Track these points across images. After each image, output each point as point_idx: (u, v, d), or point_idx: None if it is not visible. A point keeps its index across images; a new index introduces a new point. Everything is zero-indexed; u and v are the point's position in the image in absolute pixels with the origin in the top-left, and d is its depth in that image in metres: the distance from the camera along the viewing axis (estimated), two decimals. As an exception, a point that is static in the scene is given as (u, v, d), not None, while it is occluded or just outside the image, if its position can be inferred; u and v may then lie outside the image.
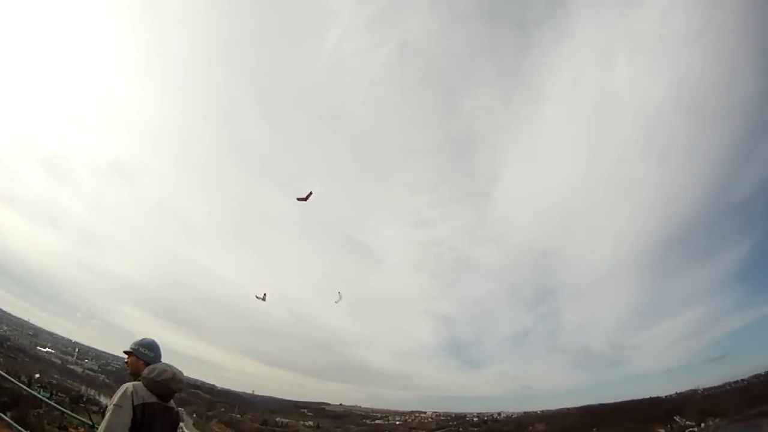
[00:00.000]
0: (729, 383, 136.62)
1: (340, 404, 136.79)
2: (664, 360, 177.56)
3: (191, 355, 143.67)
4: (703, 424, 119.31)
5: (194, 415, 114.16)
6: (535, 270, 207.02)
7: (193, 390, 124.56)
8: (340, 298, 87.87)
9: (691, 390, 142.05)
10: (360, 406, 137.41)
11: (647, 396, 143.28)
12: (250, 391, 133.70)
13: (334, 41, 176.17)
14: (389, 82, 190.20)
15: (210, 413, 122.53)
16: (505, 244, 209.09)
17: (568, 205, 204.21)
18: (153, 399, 4.88)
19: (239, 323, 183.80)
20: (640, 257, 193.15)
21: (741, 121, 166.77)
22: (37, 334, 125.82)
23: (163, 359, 5.46)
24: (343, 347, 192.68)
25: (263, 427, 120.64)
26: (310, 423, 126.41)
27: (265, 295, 59.16)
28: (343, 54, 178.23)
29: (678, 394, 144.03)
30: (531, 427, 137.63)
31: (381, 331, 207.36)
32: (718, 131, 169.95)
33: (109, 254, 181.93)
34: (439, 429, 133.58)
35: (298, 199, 49.28)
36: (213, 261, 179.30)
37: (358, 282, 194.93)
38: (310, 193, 49.41)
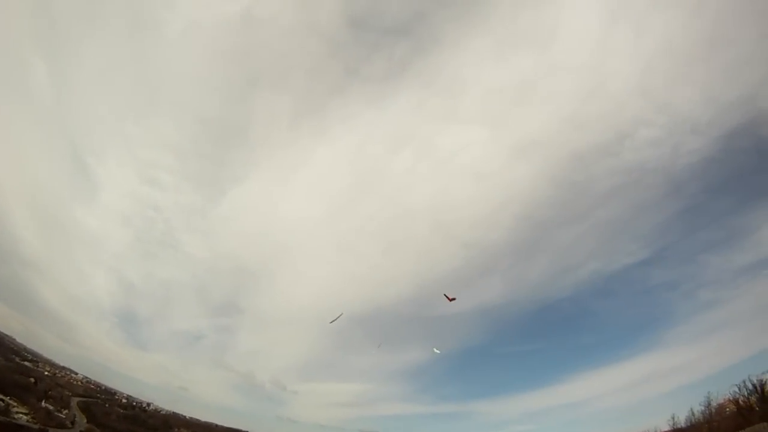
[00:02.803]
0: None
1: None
2: (318, 415, 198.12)
3: None
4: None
5: None
6: (231, 282, 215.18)
7: None
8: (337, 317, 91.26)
9: None
10: (15, 339, 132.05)
11: None
12: None
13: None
14: (212, 35, 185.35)
15: None
16: (215, 244, 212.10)
17: (291, 241, 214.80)
18: None
19: None
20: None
21: (474, 255, 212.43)
22: None
23: None
24: (20, 264, 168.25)
25: None
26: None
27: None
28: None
29: None
30: (177, 430, 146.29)
31: (64, 268, 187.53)
32: (451, 254, 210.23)
33: None
34: (86, 397, 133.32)
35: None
36: None
37: (65, 205, 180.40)
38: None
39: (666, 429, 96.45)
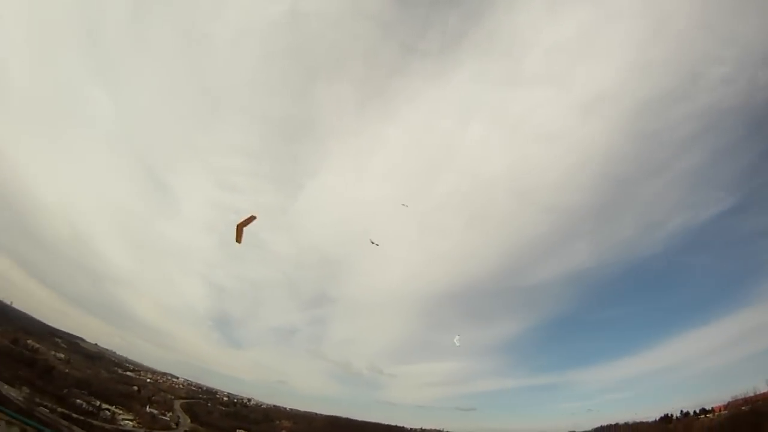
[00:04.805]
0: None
1: (96, 344, 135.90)
2: (415, 396, 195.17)
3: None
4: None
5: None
6: (319, 273, 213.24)
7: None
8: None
9: (436, 430, 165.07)
10: (115, 352, 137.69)
11: (394, 423, 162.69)
12: (9, 302, 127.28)
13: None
14: (263, 38, 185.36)
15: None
16: (299, 238, 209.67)
17: (372, 226, 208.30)
18: None
19: (15, 221, 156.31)
20: (422, 299, 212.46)
21: (558, 220, 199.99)
22: None
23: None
24: (113, 283, 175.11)
25: (13, 346, 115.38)
26: (62, 356, 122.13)
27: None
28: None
29: (423, 430, 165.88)
30: (278, 422, 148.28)
31: (155, 281, 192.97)
32: (534, 221, 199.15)
33: None
34: (188, 398, 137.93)
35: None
36: (9, 140, 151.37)
37: (148, 222, 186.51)
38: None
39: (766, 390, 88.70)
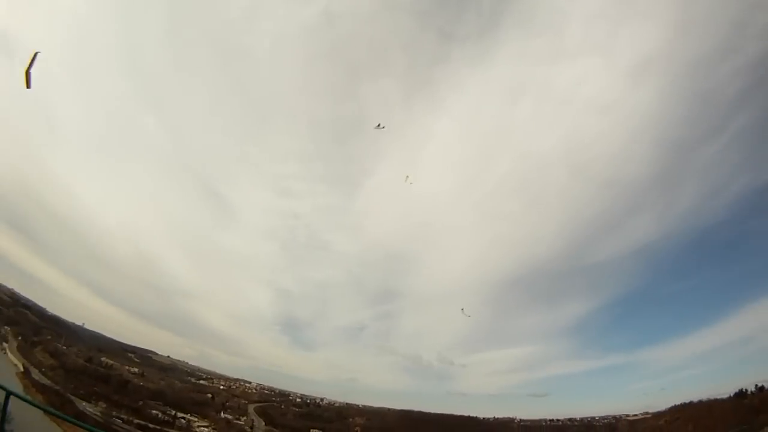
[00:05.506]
0: (545, 420, 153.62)
1: (168, 356, 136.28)
2: (487, 385, 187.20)
3: (24, 269, 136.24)
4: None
5: (19, 338, 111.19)
6: (384, 269, 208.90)
7: (22, 309, 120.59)
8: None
9: (509, 418, 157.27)
10: (187, 363, 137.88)
11: (466, 414, 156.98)
12: (81, 323, 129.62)
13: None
14: (300, 43, 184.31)
15: (36, 339, 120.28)
16: (361, 236, 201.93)
17: (432, 218, 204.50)
18: None
19: (80, 247, 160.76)
20: (487, 286, 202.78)
21: (618, 194, 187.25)
22: None
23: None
24: (180, 297, 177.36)
25: (87, 364, 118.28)
26: (136, 370, 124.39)
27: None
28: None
29: (495, 419, 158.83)
30: (351, 419, 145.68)
31: (221, 291, 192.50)
32: (593, 196, 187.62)
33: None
34: (261, 402, 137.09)
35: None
36: (67, 172, 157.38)
37: (209, 234, 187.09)
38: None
39: None
